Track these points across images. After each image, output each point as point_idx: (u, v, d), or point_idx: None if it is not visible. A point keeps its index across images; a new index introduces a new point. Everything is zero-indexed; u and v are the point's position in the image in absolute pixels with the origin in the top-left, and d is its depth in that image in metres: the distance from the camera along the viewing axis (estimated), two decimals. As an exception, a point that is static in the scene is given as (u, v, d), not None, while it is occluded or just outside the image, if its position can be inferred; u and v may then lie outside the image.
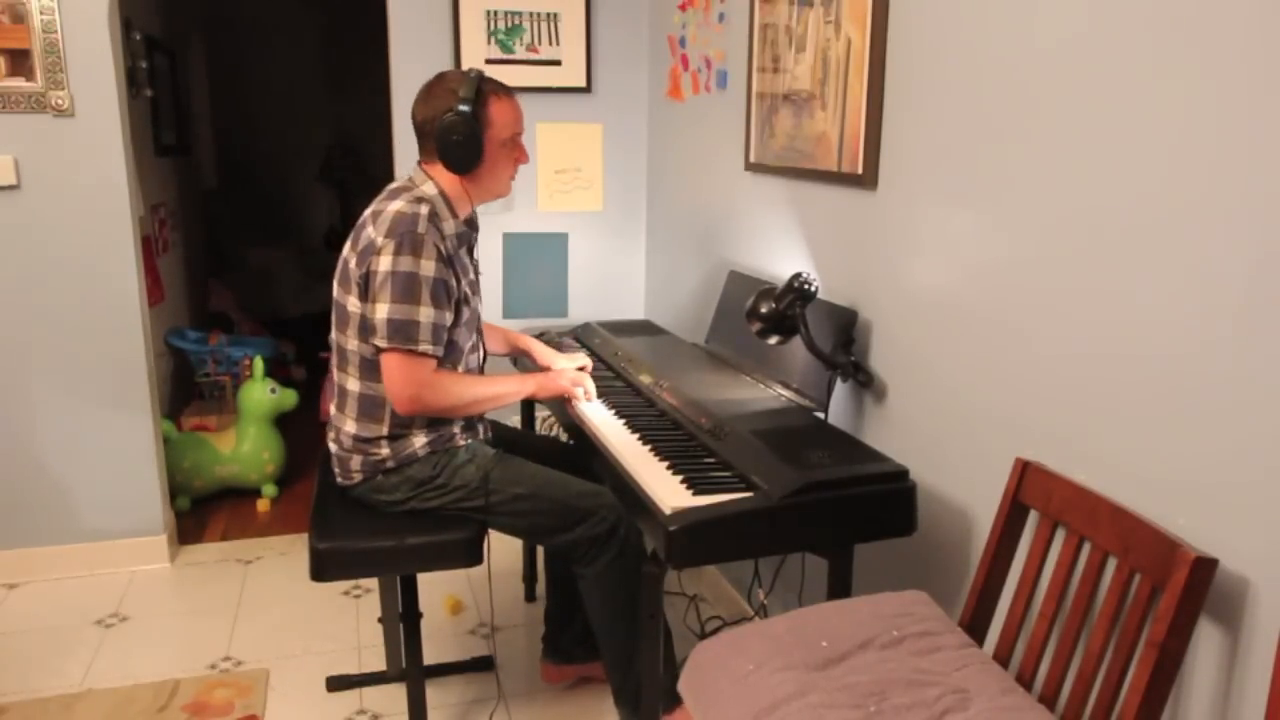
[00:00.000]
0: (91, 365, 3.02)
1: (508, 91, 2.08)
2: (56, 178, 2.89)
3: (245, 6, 6.24)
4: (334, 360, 2.12)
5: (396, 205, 1.98)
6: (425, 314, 1.95)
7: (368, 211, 2.04)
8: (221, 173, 6.36)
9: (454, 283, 2.02)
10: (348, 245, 2.04)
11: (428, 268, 1.94)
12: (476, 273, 2.20)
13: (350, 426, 2.09)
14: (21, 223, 2.89)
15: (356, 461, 2.10)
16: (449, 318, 2.02)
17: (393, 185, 2.10)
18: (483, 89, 2.02)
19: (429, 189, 2.04)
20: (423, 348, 1.96)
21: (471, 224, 2.18)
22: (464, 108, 1.98)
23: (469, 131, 1.99)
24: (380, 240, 1.94)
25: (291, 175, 6.67)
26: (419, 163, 2.10)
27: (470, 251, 2.18)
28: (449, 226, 2.05)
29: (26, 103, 2.82)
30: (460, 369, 2.11)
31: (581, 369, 2.46)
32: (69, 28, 2.80)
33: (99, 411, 3.06)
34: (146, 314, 3.12)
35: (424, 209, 1.98)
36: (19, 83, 2.81)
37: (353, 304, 2.00)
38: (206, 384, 4.16)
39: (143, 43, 3.91)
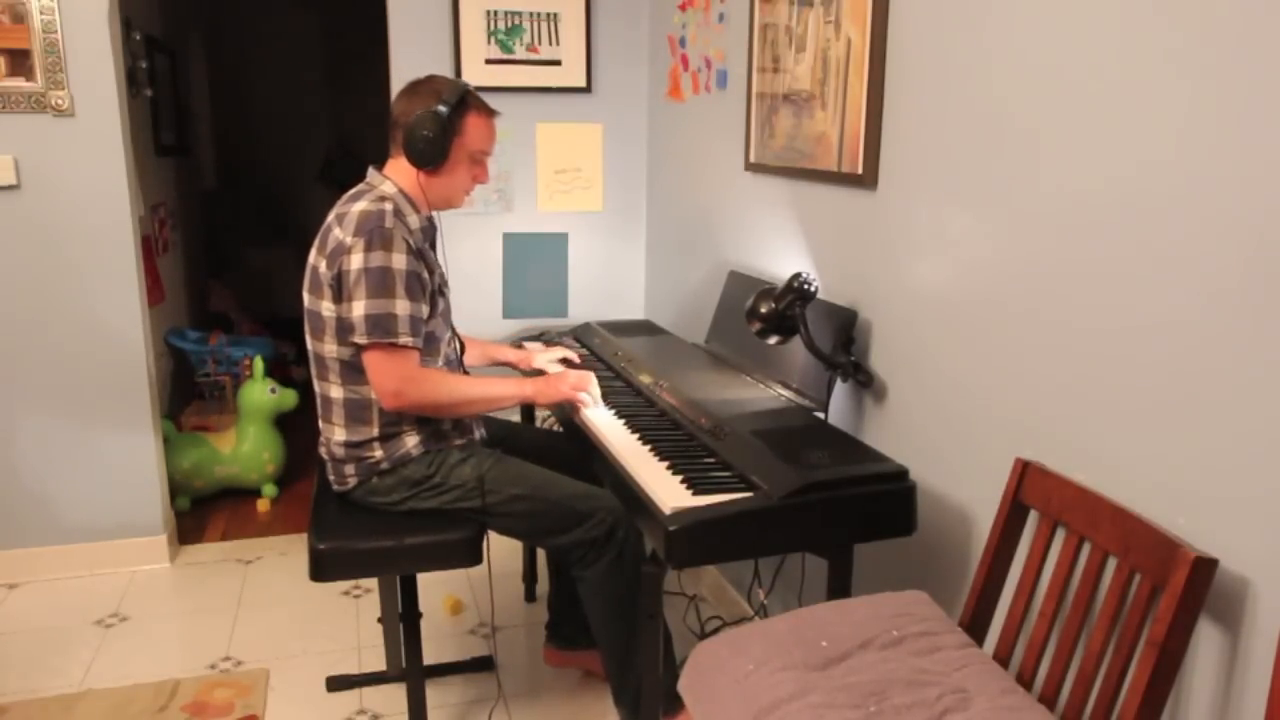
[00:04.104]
0: (92, 365, 3.02)
1: (490, 112, 2.13)
2: (56, 178, 2.89)
3: (245, 6, 6.24)
4: (312, 370, 2.12)
5: (360, 205, 2.00)
6: (401, 306, 1.95)
7: (331, 216, 2.05)
8: (221, 173, 6.36)
9: (426, 275, 2.03)
10: (314, 251, 2.05)
11: (399, 261, 1.95)
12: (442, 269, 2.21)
13: (339, 434, 2.08)
14: (21, 223, 2.89)
15: (351, 467, 2.10)
16: (425, 310, 2.02)
17: (352, 190, 2.11)
18: (466, 99, 2.07)
19: (388, 188, 2.07)
20: (403, 340, 1.96)
21: (432, 221, 2.19)
22: (442, 109, 2.02)
23: (439, 131, 2.02)
24: (349, 240, 1.95)
25: (291, 175, 6.66)
26: (374, 167, 2.13)
27: (434, 247, 2.18)
28: (413, 221, 2.06)
29: (26, 103, 2.82)
30: (439, 361, 2.11)
31: (564, 361, 2.48)
32: (69, 28, 2.81)
33: (99, 411, 3.06)
34: (146, 314, 3.12)
35: (388, 206, 2.00)
36: (19, 83, 2.81)
37: (327, 308, 2.00)
38: (206, 384, 4.16)
39: (143, 43, 3.91)
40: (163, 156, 4.42)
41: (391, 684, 2.51)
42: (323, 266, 2.00)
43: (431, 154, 2.04)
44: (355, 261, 1.94)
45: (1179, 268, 1.33)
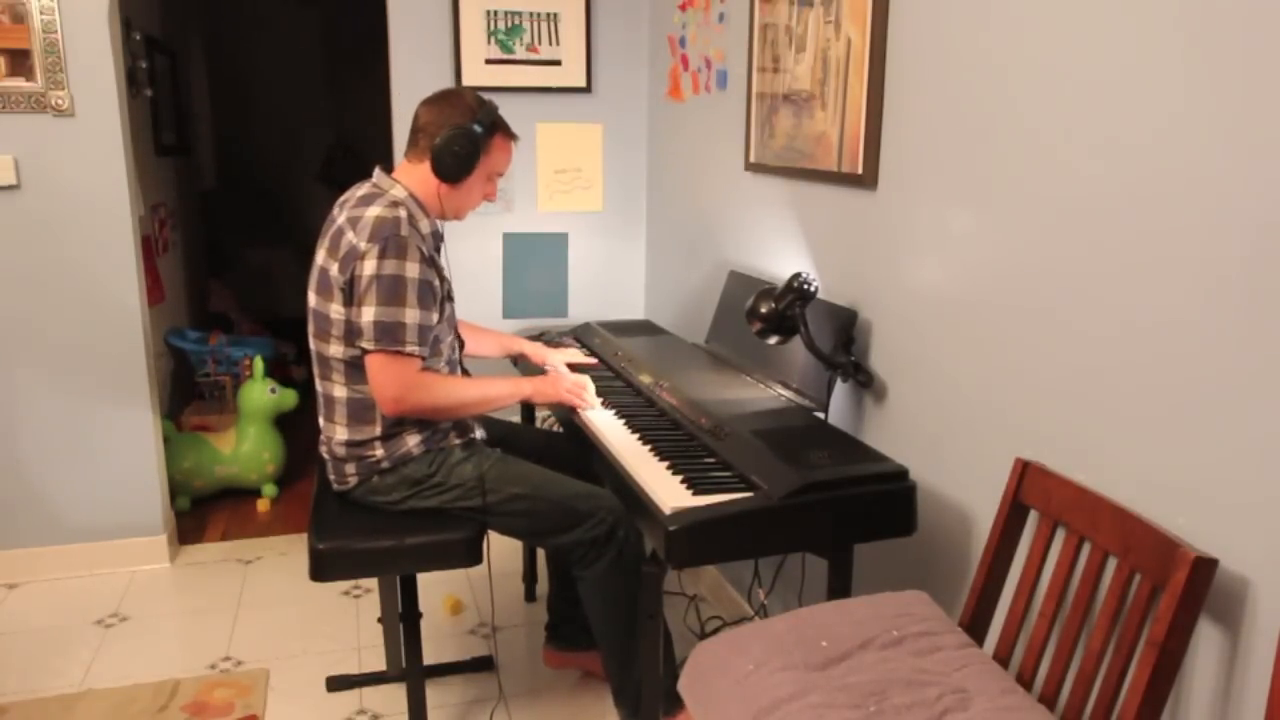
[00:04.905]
0: (91, 365, 3.02)
1: (513, 136, 2.18)
2: (56, 178, 2.89)
3: (245, 6, 6.24)
4: (315, 370, 2.12)
5: (375, 211, 1.99)
6: (411, 315, 1.96)
7: (342, 219, 2.04)
8: (221, 173, 6.36)
9: (437, 283, 2.04)
10: (322, 253, 2.05)
11: (412, 270, 1.96)
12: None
13: (341, 433, 2.09)
14: (21, 223, 2.89)
15: (351, 466, 2.10)
16: (434, 318, 2.03)
17: (361, 192, 2.09)
18: (498, 122, 2.12)
19: (399, 192, 2.07)
20: (409, 349, 1.97)
21: (439, 226, 2.20)
22: (477, 129, 2.05)
23: (471, 150, 2.06)
24: (363, 245, 1.95)
25: (291, 175, 6.66)
26: (381, 168, 2.13)
27: (439, 252, 2.18)
28: (424, 226, 2.08)
29: (26, 103, 2.82)
30: (441, 363, 2.12)
31: (572, 365, 2.49)
32: (69, 28, 2.81)
33: (99, 411, 3.06)
34: (146, 314, 3.12)
35: (402, 212, 2.00)
36: (19, 83, 2.81)
37: (335, 310, 2.00)
38: (206, 384, 4.16)
39: (143, 43, 3.91)
40: (163, 156, 4.42)
41: (391, 684, 2.51)
42: (334, 269, 2.00)
43: (458, 170, 2.06)
44: (369, 267, 1.94)
45: (1179, 268, 1.33)
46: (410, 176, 2.09)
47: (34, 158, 2.86)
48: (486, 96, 2.15)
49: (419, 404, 2.01)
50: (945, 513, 1.88)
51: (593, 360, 2.61)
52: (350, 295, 1.98)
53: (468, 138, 2.04)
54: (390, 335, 1.95)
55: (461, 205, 2.15)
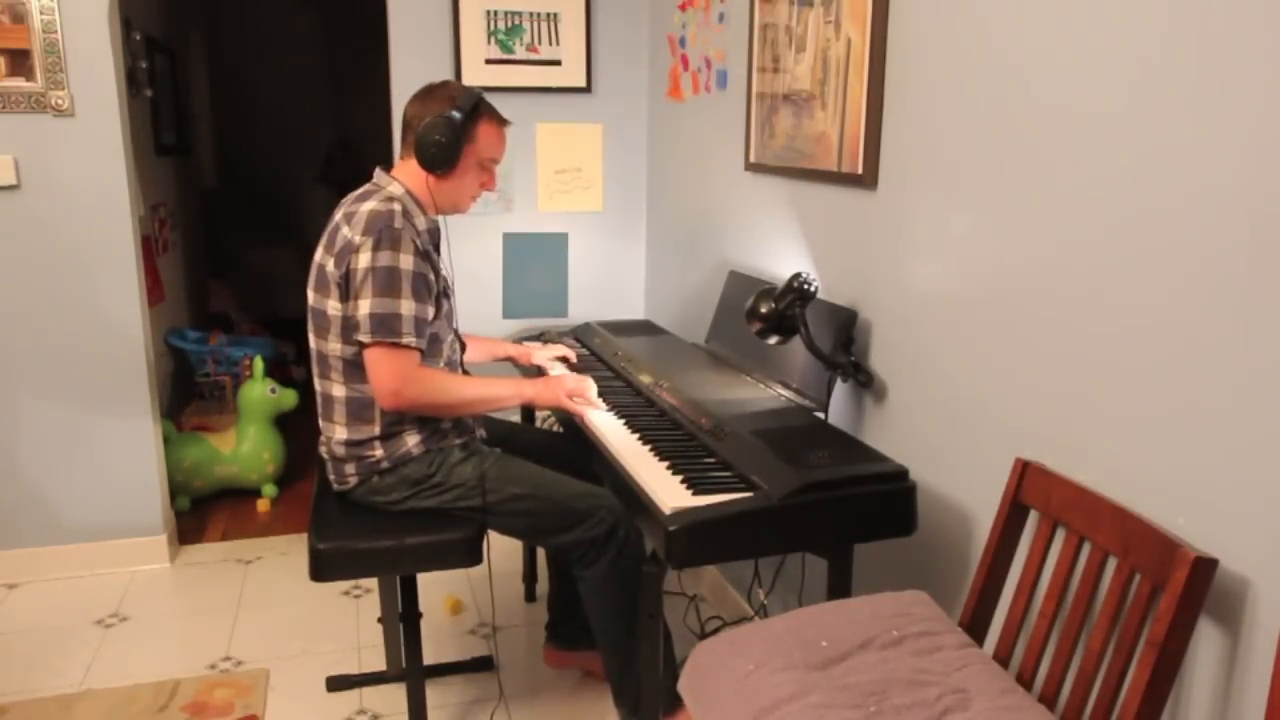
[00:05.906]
0: (91, 365, 3.02)
1: (502, 121, 2.16)
2: (56, 178, 2.89)
3: (245, 6, 6.24)
4: (314, 369, 2.12)
5: (370, 205, 2.00)
6: (407, 307, 1.96)
7: (338, 215, 2.06)
8: (221, 173, 6.36)
9: (432, 277, 2.04)
10: (320, 250, 2.06)
11: (406, 262, 1.96)
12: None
13: (340, 433, 2.09)
14: (21, 223, 2.89)
15: (351, 466, 2.10)
16: (430, 311, 2.03)
17: (360, 190, 2.11)
18: (479, 107, 2.10)
19: (396, 189, 2.08)
20: (406, 340, 1.97)
21: (437, 224, 2.20)
22: (455, 114, 2.05)
23: (451, 137, 2.05)
24: (358, 239, 1.96)
25: (291, 175, 6.66)
26: (381, 168, 2.14)
27: (438, 250, 2.19)
28: (420, 223, 2.08)
29: (26, 103, 2.82)
30: (441, 363, 2.12)
31: (562, 359, 2.50)
32: (69, 28, 2.81)
33: (99, 411, 3.06)
34: (146, 314, 3.12)
35: (397, 206, 2.01)
36: (19, 83, 2.81)
37: (333, 307, 2.01)
38: (206, 384, 4.16)
39: (143, 43, 3.91)
40: (163, 156, 4.42)
41: (391, 684, 2.51)
42: (330, 265, 2.00)
43: (442, 158, 2.05)
44: (363, 260, 1.95)
45: (1179, 267, 1.33)
46: (406, 174, 2.11)
47: (34, 158, 2.86)
48: (475, 87, 2.14)
49: (418, 398, 2.01)
50: (945, 513, 1.88)
51: (574, 356, 2.59)
52: (346, 290, 1.98)
53: (447, 125, 2.04)
54: (386, 327, 1.95)
55: (457, 196, 2.15)
